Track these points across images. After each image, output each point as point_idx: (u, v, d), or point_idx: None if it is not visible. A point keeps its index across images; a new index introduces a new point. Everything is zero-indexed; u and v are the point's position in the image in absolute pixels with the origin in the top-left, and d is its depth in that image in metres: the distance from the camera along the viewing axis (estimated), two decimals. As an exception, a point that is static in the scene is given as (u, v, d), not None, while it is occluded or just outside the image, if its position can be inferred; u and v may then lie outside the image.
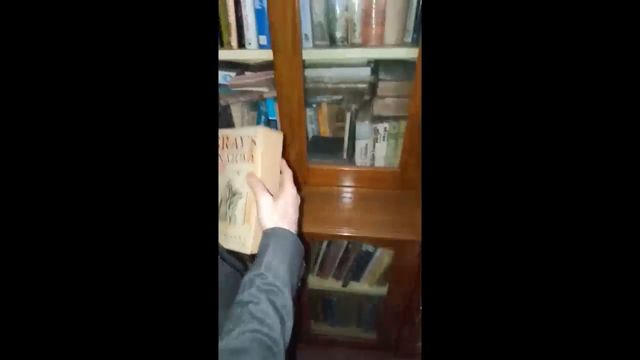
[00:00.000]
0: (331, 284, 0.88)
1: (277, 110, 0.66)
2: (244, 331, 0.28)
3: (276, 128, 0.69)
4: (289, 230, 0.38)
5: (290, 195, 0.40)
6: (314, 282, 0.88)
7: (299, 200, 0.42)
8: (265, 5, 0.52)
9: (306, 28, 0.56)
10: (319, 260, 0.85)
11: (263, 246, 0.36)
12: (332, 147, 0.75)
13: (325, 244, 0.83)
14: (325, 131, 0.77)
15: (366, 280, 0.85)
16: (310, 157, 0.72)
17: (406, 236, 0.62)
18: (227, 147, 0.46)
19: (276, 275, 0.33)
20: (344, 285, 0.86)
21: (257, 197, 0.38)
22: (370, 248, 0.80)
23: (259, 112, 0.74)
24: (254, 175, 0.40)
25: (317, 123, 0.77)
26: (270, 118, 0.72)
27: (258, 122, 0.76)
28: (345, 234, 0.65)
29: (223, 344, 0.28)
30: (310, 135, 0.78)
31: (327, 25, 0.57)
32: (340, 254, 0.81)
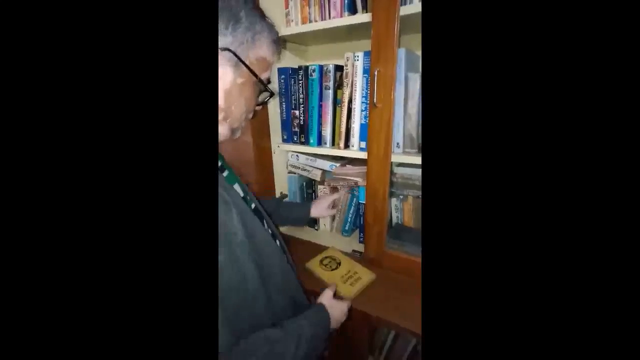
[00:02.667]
0: (394, 385, 0.80)
1: (365, 197, 0.78)
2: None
3: (363, 211, 0.81)
4: (328, 316, 0.54)
5: (341, 305, 0.59)
6: (376, 375, 0.82)
7: (342, 317, 0.59)
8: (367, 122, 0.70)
9: (398, 138, 0.69)
10: (384, 352, 0.81)
11: (307, 313, 0.50)
12: (413, 238, 0.79)
13: (392, 335, 0.80)
14: (409, 221, 0.83)
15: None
16: (391, 242, 0.77)
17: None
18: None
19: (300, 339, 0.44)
20: (408, 392, 0.77)
21: (328, 288, 0.61)
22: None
23: (352, 195, 0.88)
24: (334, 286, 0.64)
25: (402, 212, 0.84)
26: (360, 201, 0.84)
27: (350, 204, 0.89)
28: (410, 330, 0.63)
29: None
30: (395, 221, 0.85)
31: (417, 137, 0.69)
32: (408, 351, 0.75)
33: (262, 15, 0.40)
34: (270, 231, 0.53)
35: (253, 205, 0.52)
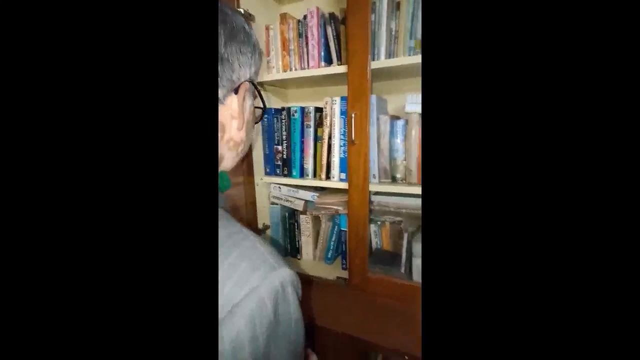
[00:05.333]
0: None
1: (347, 223, 0.84)
2: None
3: (346, 237, 0.86)
4: None
5: None
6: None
7: None
8: (346, 156, 0.78)
9: (374, 170, 0.78)
10: (372, 378, 0.82)
11: None
12: (393, 260, 0.85)
13: (379, 358, 0.82)
14: (388, 245, 0.89)
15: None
16: (373, 267, 0.83)
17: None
18: None
19: None
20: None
21: None
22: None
23: (333, 224, 0.94)
24: None
25: (381, 237, 0.90)
26: (341, 229, 0.90)
27: (332, 232, 0.94)
28: (397, 349, 0.67)
29: None
30: (374, 247, 0.91)
31: (390, 169, 0.78)
32: (395, 375, 0.77)
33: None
34: None
35: None
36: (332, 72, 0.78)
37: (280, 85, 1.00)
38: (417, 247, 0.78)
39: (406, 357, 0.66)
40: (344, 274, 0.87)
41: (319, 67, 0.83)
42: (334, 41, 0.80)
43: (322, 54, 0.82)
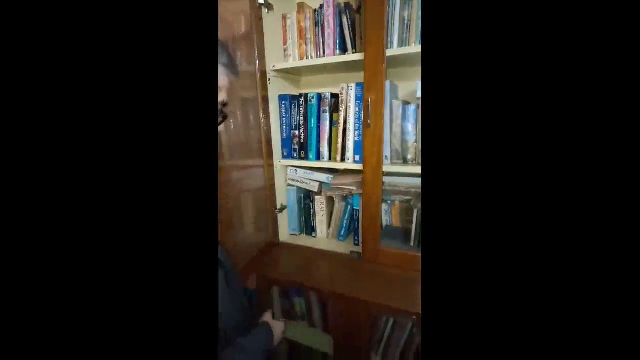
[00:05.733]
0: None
1: (360, 203, 0.90)
2: None
3: (359, 216, 0.93)
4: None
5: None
6: (377, 364, 0.90)
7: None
8: (361, 139, 0.84)
9: (387, 151, 0.84)
10: (383, 342, 0.90)
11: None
12: (402, 235, 0.92)
13: (390, 325, 0.90)
14: (397, 222, 0.96)
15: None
16: (383, 241, 0.90)
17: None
18: None
19: None
20: (407, 375, 0.86)
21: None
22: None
23: (346, 204, 1.00)
24: None
25: (391, 215, 0.97)
26: (354, 207, 0.97)
27: (345, 211, 1.01)
28: (406, 310, 0.74)
29: None
30: (384, 224, 0.98)
31: (401, 151, 0.84)
32: (405, 336, 0.86)
33: None
34: None
35: None
36: (348, 60, 0.83)
37: (295, 72, 1.05)
38: (426, 223, 0.84)
39: (414, 317, 0.74)
40: (357, 249, 0.95)
41: (334, 55, 0.87)
42: (349, 30, 0.85)
43: (338, 42, 0.87)
